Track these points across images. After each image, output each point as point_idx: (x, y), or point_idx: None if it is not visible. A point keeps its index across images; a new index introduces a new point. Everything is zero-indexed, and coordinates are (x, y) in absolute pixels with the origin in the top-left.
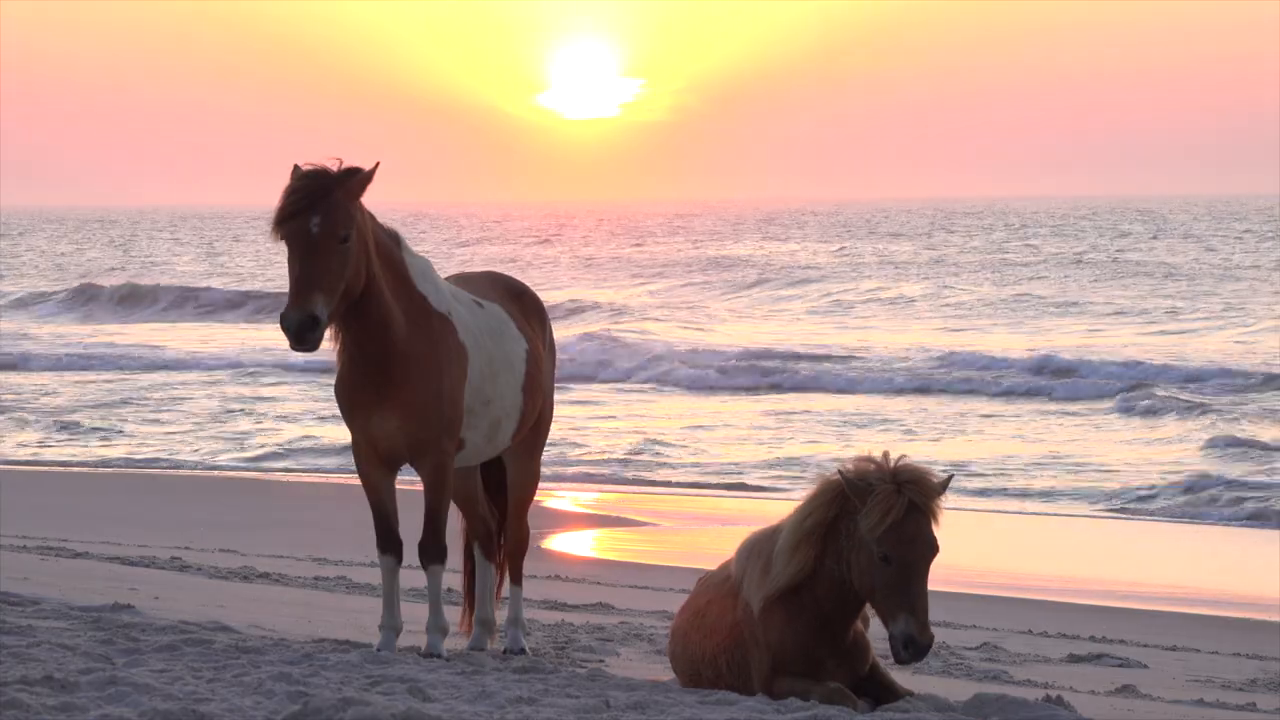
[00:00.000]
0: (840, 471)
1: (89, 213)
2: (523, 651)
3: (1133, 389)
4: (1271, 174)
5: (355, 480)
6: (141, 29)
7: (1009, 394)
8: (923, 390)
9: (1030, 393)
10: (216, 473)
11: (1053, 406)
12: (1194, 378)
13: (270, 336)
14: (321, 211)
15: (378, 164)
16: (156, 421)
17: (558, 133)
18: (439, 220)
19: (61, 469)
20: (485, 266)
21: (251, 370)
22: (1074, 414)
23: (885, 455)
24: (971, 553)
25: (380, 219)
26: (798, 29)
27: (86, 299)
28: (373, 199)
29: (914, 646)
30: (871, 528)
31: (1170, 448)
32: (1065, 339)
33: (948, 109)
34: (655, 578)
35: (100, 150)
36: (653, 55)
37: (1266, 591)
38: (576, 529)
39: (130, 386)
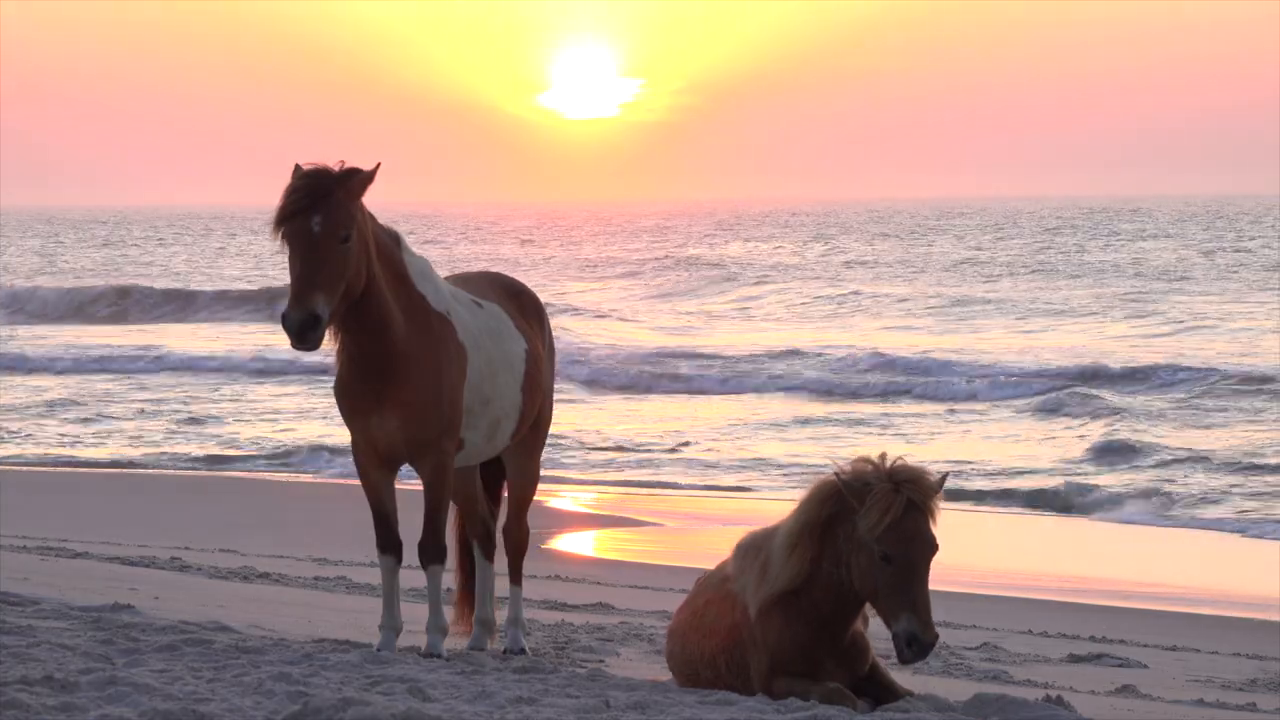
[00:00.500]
0: (836, 473)
1: (88, 213)
2: (523, 651)
3: (1053, 390)
4: (1272, 174)
5: (355, 480)
6: (140, 28)
7: (923, 397)
8: (826, 392)
9: (932, 395)
10: (215, 473)
11: (949, 408)
12: (1109, 377)
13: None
14: (323, 211)
15: (378, 164)
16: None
17: (558, 132)
18: (431, 219)
19: (61, 469)
20: (463, 267)
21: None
22: (958, 414)
23: (881, 456)
24: None
25: (380, 219)
26: (796, 29)
27: None
28: (373, 199)
29: (917, 645)
30: (871, 527)
31: (1062, 447)
32: (993, 339)
33: (947, 108)
34: (655, 578)
35: (100, 150)
36: (652, 55)
37: (1247, 590)
38: (578, 529)
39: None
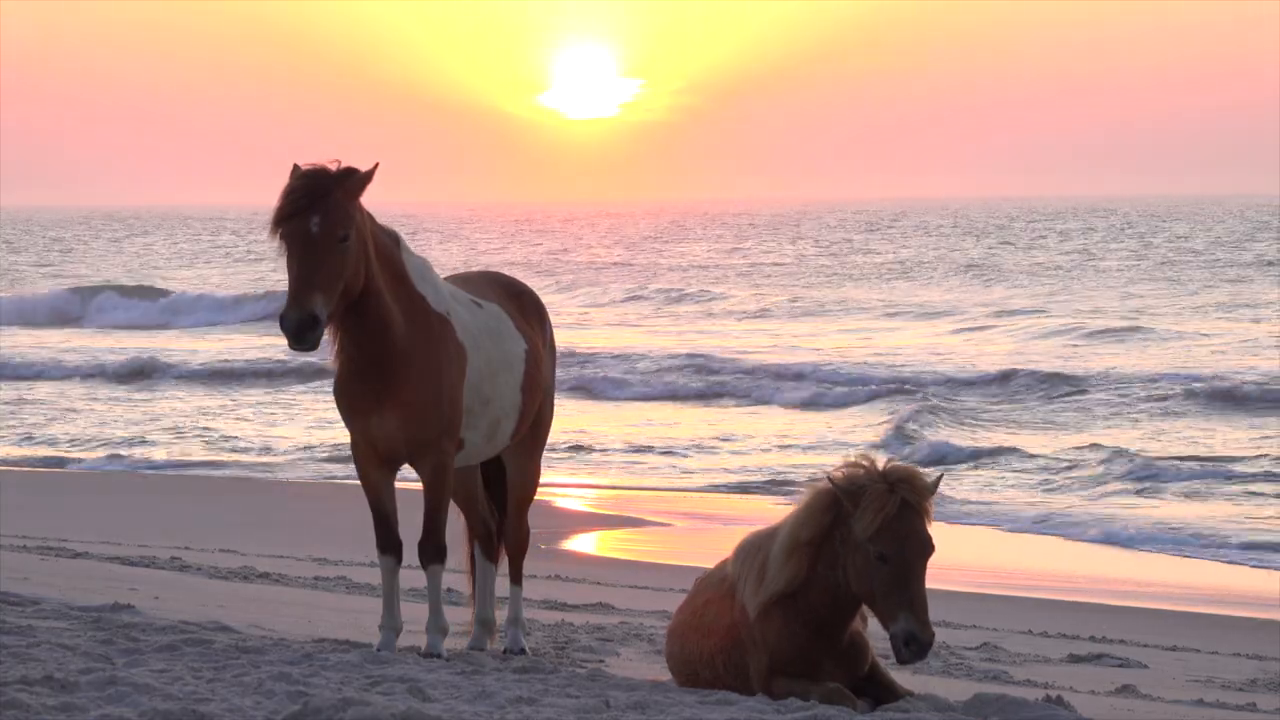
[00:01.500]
0: (829, 478)
1: (84, 213)
2: (523, 651)
3: (877, 397)
4: (1272, 174)
5: (355, 480)
6: (141, 28)
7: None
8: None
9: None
10: (216, 473)
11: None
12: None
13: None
14: (321, 211)
15: (377, 164)
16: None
17: (559, 132)
18: (416, 220)
19: (62, 469)
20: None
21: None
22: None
23: (872, 458)
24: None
25: (377, 219)
26: (796, 29)
27: None
28: (372, 199)
29: (915, 644)
30: (866, 528)
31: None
32: (837, 341)
33: (948, 108)
34: (655, 578)
35: (100, 150)
36: (652, 55)
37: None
38: (579, 529)
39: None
